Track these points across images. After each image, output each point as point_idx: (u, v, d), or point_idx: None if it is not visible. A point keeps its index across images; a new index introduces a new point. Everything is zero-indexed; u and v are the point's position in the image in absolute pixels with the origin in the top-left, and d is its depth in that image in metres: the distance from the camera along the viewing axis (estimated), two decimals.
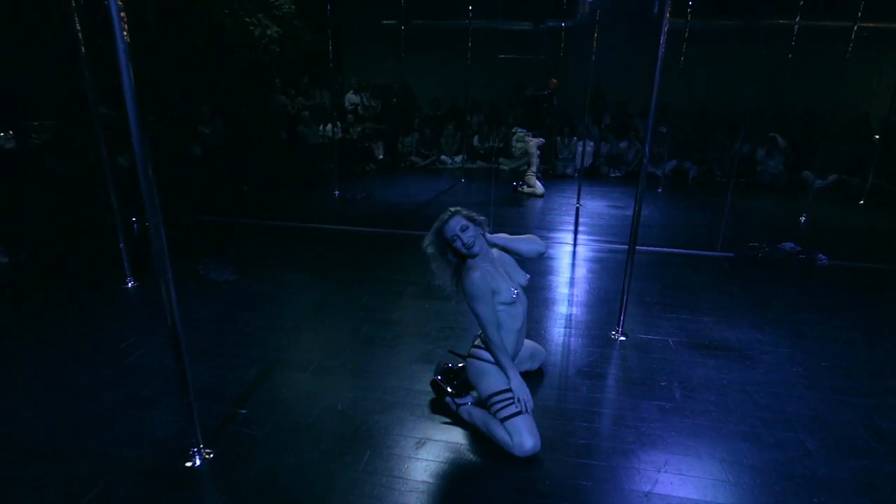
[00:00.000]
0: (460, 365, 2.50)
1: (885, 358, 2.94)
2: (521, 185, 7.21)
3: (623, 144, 9.29)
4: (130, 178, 1.79)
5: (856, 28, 6.09)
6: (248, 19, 7.33)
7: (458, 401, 2.28)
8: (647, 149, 2.78)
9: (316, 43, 8.56)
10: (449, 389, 2.32)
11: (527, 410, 2.08)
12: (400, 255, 4.58)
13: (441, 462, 2.01)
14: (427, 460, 2.02)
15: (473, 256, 2.15)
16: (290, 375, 2.61)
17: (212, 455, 2.00)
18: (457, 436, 2.17)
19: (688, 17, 7.35)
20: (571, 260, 4.58)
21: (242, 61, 7.64)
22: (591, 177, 8.68)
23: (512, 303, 2.18)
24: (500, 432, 2.07)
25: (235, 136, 7.73)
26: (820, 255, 4.55)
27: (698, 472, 1.99)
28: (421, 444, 2.11)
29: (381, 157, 9.52)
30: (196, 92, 7.55)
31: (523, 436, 2.02)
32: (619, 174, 9.06)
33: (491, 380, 2.16)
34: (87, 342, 2.91)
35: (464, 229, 2.14)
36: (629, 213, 2.91)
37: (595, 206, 6.64)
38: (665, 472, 1.98)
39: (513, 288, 2.19)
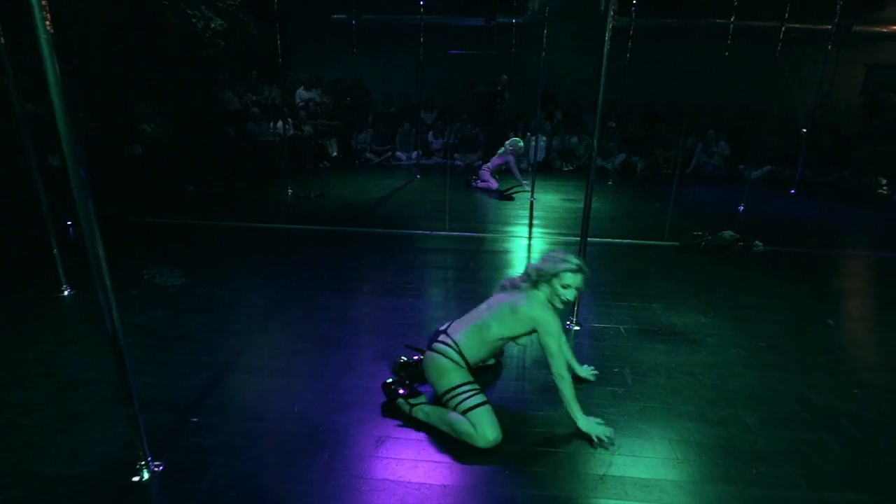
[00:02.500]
0: (415, 358, 2.51)
1: (815, 336, 3.16)
2: (476, 182, 7.26)
3: (574, 139, 9.53)
4: (63, 178, 1.68)
5: (783, 29, 6.48)
6: (189, 11, 7.02)
7: (412, 401, 2.26)
8: (595, 143, 2.85)
9: (264, 37, 8.29)
10: (401, 392, 2.29)
11: (610, 441, 2.11)
12: (356, 253, 4.53)
13: (401, 459, 2.01)
14: (387, 458, 2.01)
15: (559, 308, 2.22)
16: (243, 380, 2.54)
17: (161, 467, 1.92)
18: (415, 431, 2.17)
19: (632, 15, 7.60)
20: (527, 253, 4.66)
21: (185, 55, 7.31)
22: (545, 171, 8.87)
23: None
24: (462, 425, 2.08)
25: (180, 133, 7.40)
26: (756, 242, 4.83)
27: (649, 453, 2.07)
28: (381, 441, 2.10)
29: (334, 154, 9.37)
30: (135, 88, 7.17)
31: (486, 426, 2.04)
32: (571, 168, 9.29)
33: (452, 376, 2.18)
34: (20, 356, 2.72)
35: (578, 289, 2.22)
36: (581, 205, 2.99)
37: (549, 199, 6.79)
38: (619, 454, 2.06)
39: None
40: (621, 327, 3.15)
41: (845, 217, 6.63)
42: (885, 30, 9.41)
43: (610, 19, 2.67)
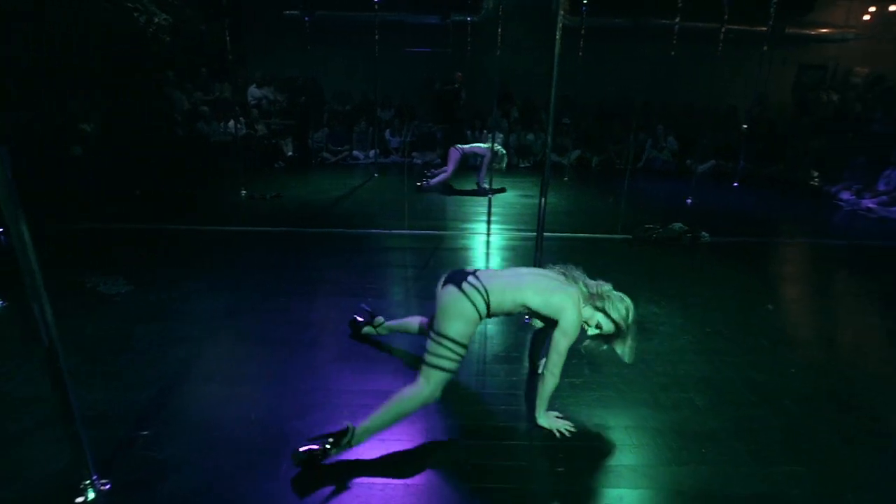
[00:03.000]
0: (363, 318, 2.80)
1: (757, 320, 3.34)
2: (427, 183, 7.19)
3: (531, 136, 9.68)
4: None
5: (723, 30, 6.79)
6: (130, 5, 6.69)
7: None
8: (549, 140, 2.91)
9: (212, 33, 8.01)
10: (327, 447, 1.92)
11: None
12: (314, 253, 4.45)
13: (363, 459, 1.99)
14: (349, 460, 1.99)
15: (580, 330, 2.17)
16: (197, 389, 2.45)
17: (108, 486, 1.83)
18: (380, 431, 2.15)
19: (583, 15, 7.79)
20: (486, 249, 4.71)
21: (128, 52, 6.96)
22: (505, 169, 8.95)
23: None
24: (411, 396, 2.01)
25: (124, 134, 7.05)
26: (703, 233, 5.05)
27: (607, 441, 2.14)
28: None
29: (290, 153, 9.15)
30: (75, 86, 6.78)
31: (438, 389, 2.02)
32: (528, 165, 9.43)
33: (462, 326, 2.04)
34: None
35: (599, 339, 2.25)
36: (538, 201, 3.04)
37: (506, 196, 6.87)
38: (577, 444, 2.11)
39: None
40: None
41: (782, 207, 7.03)
42: (813, 32, 10.02)
43: (560, 18, 2.73)
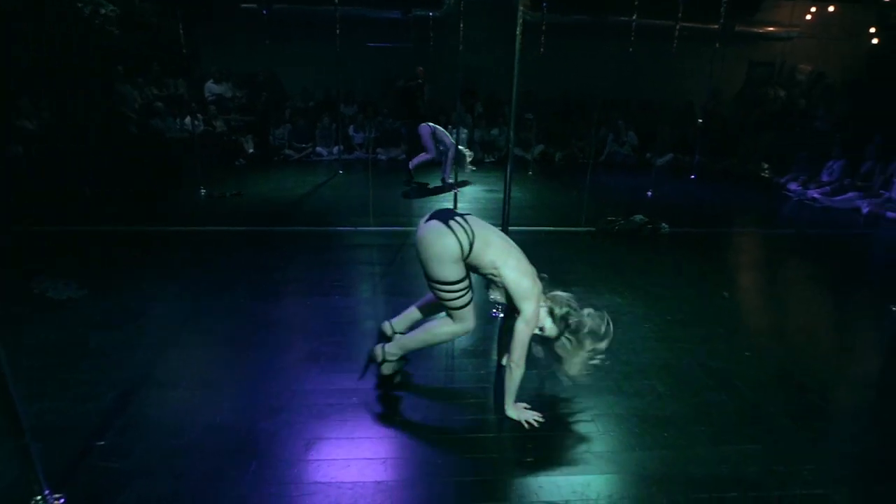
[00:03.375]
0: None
1: (713, 308, 3.48)
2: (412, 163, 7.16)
3: (495, 131, 9.75)
4: None
5: (678, 27, 7.01)
6: None
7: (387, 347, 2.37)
8: (511, 134, 2.94)
9: (166, 26, 7.69)
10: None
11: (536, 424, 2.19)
12: (278, 252, 4.36)
13: (334, 460, 1.97)
14: (318, 460, 1.97)
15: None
16: (158, 395, 2.37)
17: (62, 500, 1.74)
18: (347, 430, 2.14)
19: (544, 10, 7.88)
20: None
21: (71, 44, 6.61)
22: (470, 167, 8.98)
23: None
24: (442, 328, 2.24)
25: (70, 131, 6.69)
26: (663, 225, 5.21)
27: (574, 429, 2.19)
28: (310, 444, 2.05)
29: (250, 151, 8.92)
30: (13, 81, 6.39)
31: (471, 319, 2.22)
32: (492, 159, 9.50)
33: (453, 268, 2.10)
34: None
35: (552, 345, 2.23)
36: (503, 195, 3.07)
37: (472, 190, 6.91)
38: (545, 434, 2.15)
39: None
40: None
41: (736, 199, 7.33)
42: (761, 30, 10.46)
43: (520, 14, 2.75)
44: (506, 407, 2.22)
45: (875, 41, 9.65)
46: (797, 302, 3.88)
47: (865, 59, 9.81)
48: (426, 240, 2.13)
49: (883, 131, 7.07)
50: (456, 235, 2.09)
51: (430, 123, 7.01)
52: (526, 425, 2.18)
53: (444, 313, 2.29)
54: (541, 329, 2.18)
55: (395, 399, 2.37)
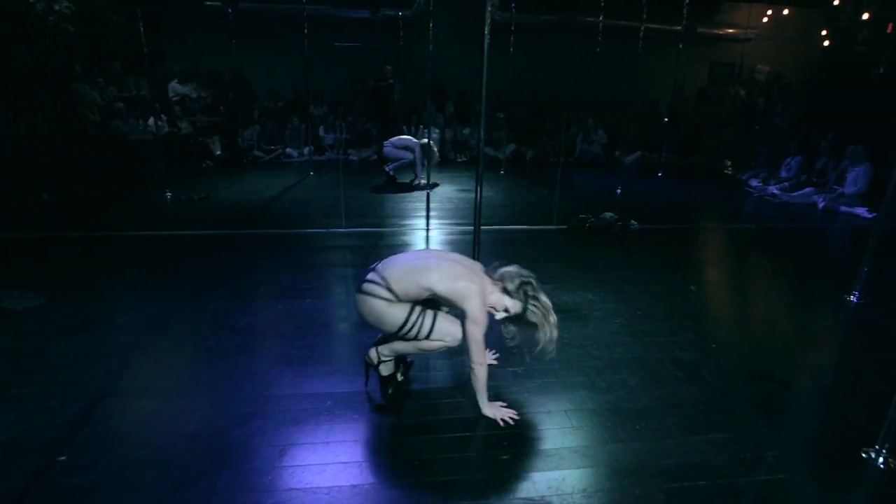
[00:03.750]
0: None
1: (681, 302, 3.57)
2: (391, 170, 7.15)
3: (467, 131, 9.78)
4: None
5: (643, 28, 7.17)
6: None
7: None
8: (482, 134, 2.95)
9: (124, 24, 7.45)
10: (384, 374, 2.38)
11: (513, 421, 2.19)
12: (248, 256, 4.27)
13: (308, 465, 1.95)
14: (292, 466, 1.94)
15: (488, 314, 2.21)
16: (123, 405, 2.29)
17: None
18: (321, 434, 2.11)
19: (513, 11, 7.95)
20: (425, 245, 4.71)
21: (26, 43, 6.33)
22: (439, 162, 9.00)
23: None
24: (433, 344, 2.21)
25: (25, 133, 6.41)
26: (632, 221, 5.33)
27: (548, 425, 2.21)
28: (284, 451, 2.01)
29: (218, 152, 8.72)
30: None
31: (451, 331, 2.19)
32: (464, 159, 9.53)
33: (393, 314, 2.14)
34: None
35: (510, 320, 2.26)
36: (475, 195, 3.08)
37: (444, 190, 6.91)
38: (520, 430, 2.17)
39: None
40: None
41: (701, 195, 7.55)
42: (721, 32, 10.80)
43: (489, 14, 2.77)
44: (480, 406, 2.23)
45: (826, 43, 10.08)
46: (759, 294, 4.02)
47: (817, 61, 10.25)
48: (361, 312, 2.23)
49: (835, 130, 7.39)
50: (375, 295, 2.15)
51: (389, 141, 7.08)
52: (502, 423, 2.19)
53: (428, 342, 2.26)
54: (507, 311, 2.20)
55: (371, 401, 2.35)
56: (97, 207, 5.81)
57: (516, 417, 2.22)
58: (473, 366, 2.17)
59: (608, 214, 5.34)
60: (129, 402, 2.31)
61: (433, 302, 2.23)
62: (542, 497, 1.82)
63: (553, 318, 2.19)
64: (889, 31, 8.62)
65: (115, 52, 8.23)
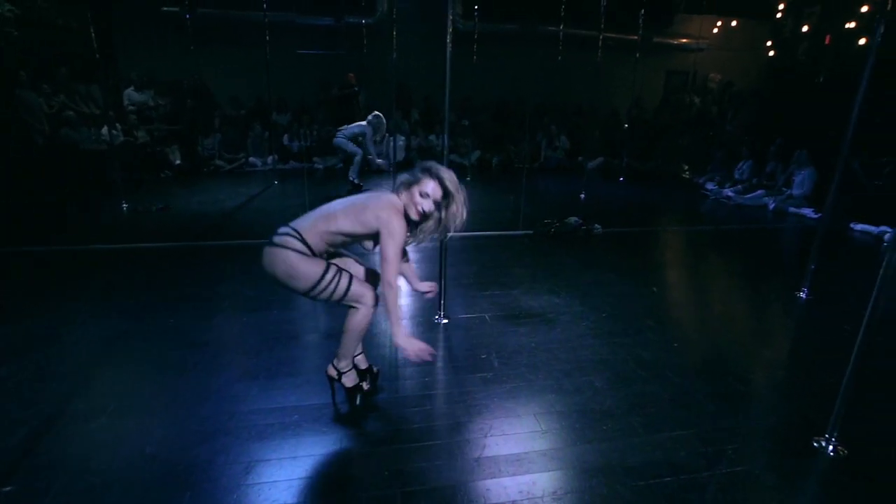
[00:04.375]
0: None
1: (644, 302, 3.67)
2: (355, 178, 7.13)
3: (433, 138, 9.82)
4: None
5: (601, 38, 7.39)
6: None
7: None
8: (445, 140, 2.97)
9: (76, 29, 7.17)
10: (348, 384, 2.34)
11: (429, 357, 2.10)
12: (210, 268, 4.15)
13: (276, 482, 1.90)
14: (259, 484, 1.89)
15: (413, 220, 2.17)
16: (75, 429, 2.18)
17: None
18: (289, 449, 2.07)
19: (476, 20, 8.05)
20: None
21: None
22: (406, 170, 8.99)
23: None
24: (356, 317, 2.17)
25: None
26: (596, 225, 5.45)
27: (518, 429, 2.23)
28: (250, 468, 1.96)
29: (177, 162, 8.47)
30: None
31: (364, 294, 2.14)
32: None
33: (306, 269, 2.06)
34: None
35: (436, 203, 2.18)
36: None
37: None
38: (491, 436, 2.18)
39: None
40: (486, 315, 3.33)
41: (661, 199, 7.80)
42: (675, 42, 11.24)
43: (450, 22, 2.80)
44: (393, 335, 2.09)
45: (771, 53, 10.63)
46: (716, 293, 4.18)
47: (764, 70, 10.80)
48: (272, 269, 2.12)
49: (782, 135, 7.78)
50: (286, 246, 2.08)
51: (340, 130, 7.08)
52: (415, 357, 2.07)
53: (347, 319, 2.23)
54: (426, 194, 2.14)
55: (339, 413, 2.31)
56: (48, 220, 5.53)
57: (432, 353, 2.09)
58: (384, 286, 2.06)
59: (573, 219, 5.45)
60: (83, 424, 2.20)
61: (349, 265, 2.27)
62: (514, 502, 1.84)
63: (425, 174, 2.17)
64: (827, 42, 9.17)
65: (63, 58, 7.90)
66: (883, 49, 3.08)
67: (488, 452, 2.08)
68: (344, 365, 2.31)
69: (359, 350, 2.43)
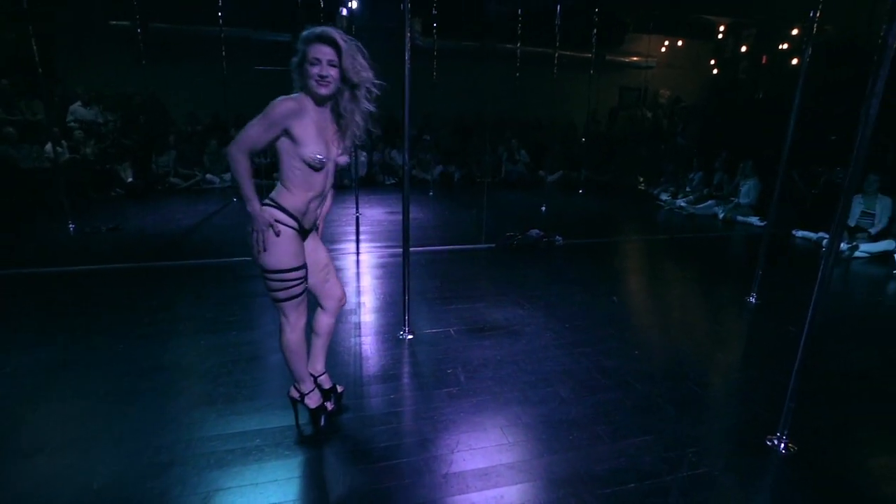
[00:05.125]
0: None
1: (605, 311, 3.76)
2: None
3: (394, 153, 9.84)
4: None
5: (556, 55, 7.63)
6: None
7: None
8: (406, 156, 2.98)
9: (14, 42, 6.85)
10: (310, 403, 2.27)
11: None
12: (165, 290, 4.00)
13: None
14: None
15: (317, 99, 1.92)
16: (14, 467, 2.03)
17: None
18: (250, 476, 1.99)
19: (434, 37, 8.17)
20: (356, 268, 4.65)
21: None
22: (368, 185, 8.98)
23: (317, 168, 1.95)
24: (283, 337, 2.11)
25: None
26: (557, 237, 5.57)
27: (485, 443, 2.23)
28: (208, 498, 1.87)
29: (129, 180, 8.15)
30: None
31: (303, 315, 2.11)
32: (393, 181, 9.56)
33: (281, 250, 1.95)
34: None
35: (331, 63, 1.88)
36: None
37: (373, 213, 6.88)
38: (458, 451, 2.17)
39: (320, 156, 1.93)
40: (451, 329, 3.33)
41: (618, 210, 8.05)
42: (627, 59, 11.74)
43: (408, 39, 2.83)
44: (248, 201, 1.91)
45: (715, 71, 11.26)
46: (673, 300, 4.32)
47: (709, 87, 11.42)
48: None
49: (728, 147, 8.20)
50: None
51: None
52: (258, 235, 1.94)
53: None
54: (315, 62, 1.88)
55: (302, 435, 2.25)
56: None
57: (277, 231, 1.94)
58: (236, 165, 1.86)
59: (534, 231, 5.55)
60: (23, 461, 2.06)
61: None
62: None
63: (302, 41, 1.92)
64: (764, 62, 9.79)
65: (2, 72, 7.52)
66: (812, 70, 3.31)
67: (456, 468, 2.07)
68: (305, 387, 2.25)
69: (321, 370, 2.38)
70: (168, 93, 9.29)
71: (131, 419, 2.34)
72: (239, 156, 1.86)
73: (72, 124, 8.17)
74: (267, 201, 1.99)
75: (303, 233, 2.07)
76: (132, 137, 8.65)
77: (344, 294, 2.36)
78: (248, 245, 1.99)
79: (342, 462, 2.10)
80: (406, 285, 3.17)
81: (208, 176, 8.78)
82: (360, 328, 3.34)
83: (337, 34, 1.91)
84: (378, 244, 5.36)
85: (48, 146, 6.83)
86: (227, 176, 8.52)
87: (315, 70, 1.89)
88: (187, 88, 9.32)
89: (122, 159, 8.25)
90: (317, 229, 2.24)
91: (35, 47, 5.42)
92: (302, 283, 2.05)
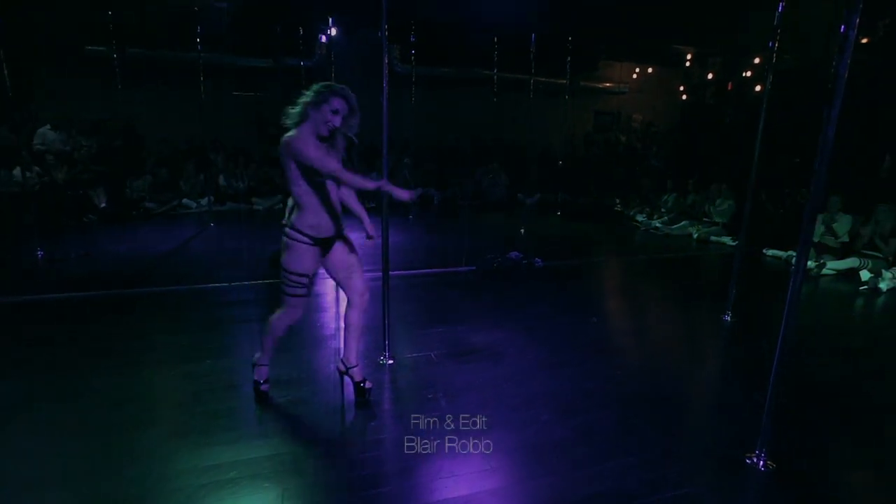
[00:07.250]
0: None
1: (584, 332, 3.79)
2: None
3: (374, 175, 9.88)
4: None
5: (532, 81, 7.85)
6: None
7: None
8: (385, 179, 3.00)
9: None
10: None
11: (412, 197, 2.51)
12: (139, 319, 3.89)
13: None
14: None
15: (324, 137, 2.38)
16: None
17: None
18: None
19: (412, 63, 8.32)
20: (336, 294, 4.60)
21: None
22: (346, 210, 8.95)
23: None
24: (276, 315, 2.55)
25: None
26: (536, 260, 5.62)
27: (467, 469, 2.20)
28: None
29: (102, 205, 7.97)
30: None
31: (298, 310, 2.54)
32: (373, 205, 9.55)
33: (296, 256, 2.43)
34: None
35: (344, 118, 2.38)
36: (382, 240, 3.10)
37: (353, 237, 6.85)
38: (440, 478, 2.14)
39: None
40: (432, 353, 3.31)
41: (596, 231, 8.19)
42: (601, 85, 12.11)
43: (386, 65, 2.89)
44: (372, 190, 2.53)
45: (684, 97, 11.70)
46: (651, 320, 4.39)
47: (679, 112, 11.85)
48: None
49: (699, 169, 8.47)
50: (285, 236, 2.49)
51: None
52: (401, 196, 2.45)
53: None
54: (335, 112, 2.35)
55: (281, 464, 2.19)
56: None
57: (415, 198, 2.57)
58: (341, 180, 2.35)
59: (514, 254, 5.59)
60: None
61: None
62: None
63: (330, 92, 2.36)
64: (729, 88, 10.22)
65: None
66: (775, 95, 3.47)
67: (438, 496, 2.03)
68: (260, 360, 2.65)
69: (354, 362, 2.69)
70: (142, 117, 9.21)
71: (99, 454, 2.25)
72: (334, 172, 2.32)
73: (39, 147, 7.97)
74: (285, 222, 2.44)
75: (323, 242, 2.51)
76: (106, 163, 8.49)
77: (366, 289, 2.74)
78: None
79: (323, 492, 2.05)
80: (386, 310, 3.15)
81: (185, 200, 8.66)
82: (340, 354, 3.29)
83: (353, 96, 2.41)
84: None
85: (16, 170, 6.67)
86: (204, 200, 8.41)
87: (332, 119, 2.36)
88: (162, 113, 9.27)
89: (95, 184, 8.09)
90: (344, 238, 2.72)
91: (6, 71, 5.34)
92: (303, 287, 2.49)
